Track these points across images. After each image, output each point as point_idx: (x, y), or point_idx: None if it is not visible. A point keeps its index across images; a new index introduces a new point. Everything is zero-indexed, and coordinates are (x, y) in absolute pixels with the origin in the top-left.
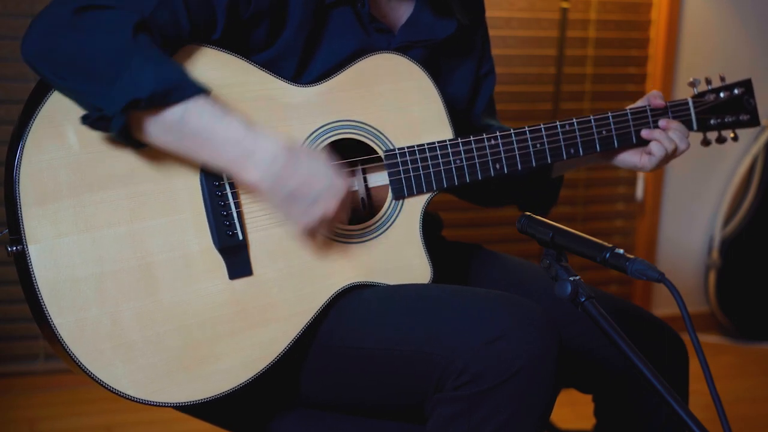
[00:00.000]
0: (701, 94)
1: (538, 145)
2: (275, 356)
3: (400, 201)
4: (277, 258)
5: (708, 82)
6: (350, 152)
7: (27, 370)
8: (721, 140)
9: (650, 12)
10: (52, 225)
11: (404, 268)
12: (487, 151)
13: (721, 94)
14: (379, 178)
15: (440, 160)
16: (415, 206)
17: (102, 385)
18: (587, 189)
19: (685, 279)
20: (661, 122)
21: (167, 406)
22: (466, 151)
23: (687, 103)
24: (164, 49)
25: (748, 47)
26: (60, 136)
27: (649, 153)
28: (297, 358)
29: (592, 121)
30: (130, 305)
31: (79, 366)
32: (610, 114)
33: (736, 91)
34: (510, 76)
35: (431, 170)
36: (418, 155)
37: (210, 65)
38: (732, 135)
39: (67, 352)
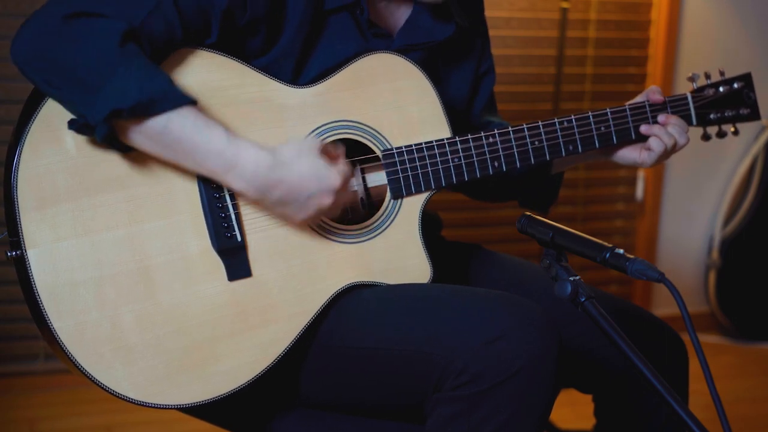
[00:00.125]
0: (700, 89)
1: (536, 143)
2: (275, 357)
3: (399, 200)
4: (276, 259)
5: (707, 76)
6: (349, 152)
7: (27, 370)
8: (721, 135)
9: (650, 12)
10: (51, 229)
11: (404, 267)
12: (486, 149)
13: (721, 89)
14: (377, 178)
15: (438, 159)
16: (413, 205)
17: (102, 387)
18: (587, 189)
19: (685, 279)
20: (660, 117)
21: (168, 408)
22: (464, 150)
23: (686, 98)
24: (155, 56)
25: (748, 47)
26: (57, 140)
27: (649, 149)
28: (297, 359)
29: (591, 117)
30: (129, 308)
31: (80, 369)
32: (608, 110)
33: (735, 86)
34: (510, 76)
35: (429, 169)
36: (416, 154)
37: (206, 67)
38: (732, 129)
39: (67, 355)
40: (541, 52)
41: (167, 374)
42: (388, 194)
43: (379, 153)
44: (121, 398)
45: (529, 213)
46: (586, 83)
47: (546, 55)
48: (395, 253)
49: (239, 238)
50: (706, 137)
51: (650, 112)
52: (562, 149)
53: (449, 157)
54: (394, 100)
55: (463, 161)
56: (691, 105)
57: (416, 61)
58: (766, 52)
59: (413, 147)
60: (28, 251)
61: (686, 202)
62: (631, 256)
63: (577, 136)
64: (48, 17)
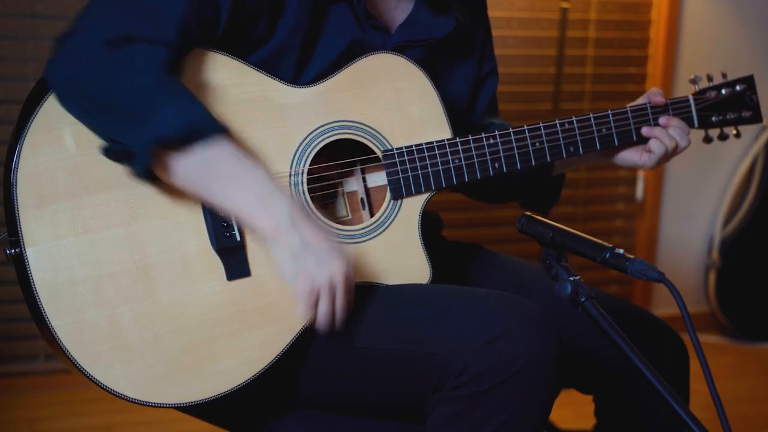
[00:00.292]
0: (702, 91)
1: (537, 144)
2: (274, 356)
3: (399, 201)
4: None
5: (709, 78)
6: (349, 152)
7: (27, 370)
8: (723, 137)
9: (650, 12)
10: (50, 227)
11: (403, 268)
12: (486, 150)
13: (723, 91)
14: (378, 178)
15: (438, 160)
16: (413, 206)
17: (101, 386)
18: (587, 189)
19: (685, 279)
20: (662, 120)
21: (166, 407)
22: (464, 151)
23: (688, 101)
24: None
25: (748, 47)
26: (57, 138)
27: (650, 151)
28: (297, 358)
29: (592, 119)
30: (128, 307)
31: (78, 368)
32: (610, 112)
33: (737, 88)
34: (510, 76)
35: (429, 170)
36: (416, 155)
37: (206, 67)
38: (734, 132)
39: (66, 354)
40: (541, 52)
41: (166, 373)
42: (388, 195)
43: (379, 153)
44: (119, 397)
45: (529, 213)
46: (586, 83)
47: (546, 55)
48: (395, 253)
49: (238, 238)
50: (707, 140)
51: (652, 114)
52: (563, 151)
53: (449, 158)
54: (395, 100)
55: (463, 162)
56: (693, 107)
57: (415, 58)
58: (766, 52)
59: (413, 147)
60: (27, 249)
61: (686, 202)
62: (631, 256)
63: (578, 137)
64: (89, 43)
